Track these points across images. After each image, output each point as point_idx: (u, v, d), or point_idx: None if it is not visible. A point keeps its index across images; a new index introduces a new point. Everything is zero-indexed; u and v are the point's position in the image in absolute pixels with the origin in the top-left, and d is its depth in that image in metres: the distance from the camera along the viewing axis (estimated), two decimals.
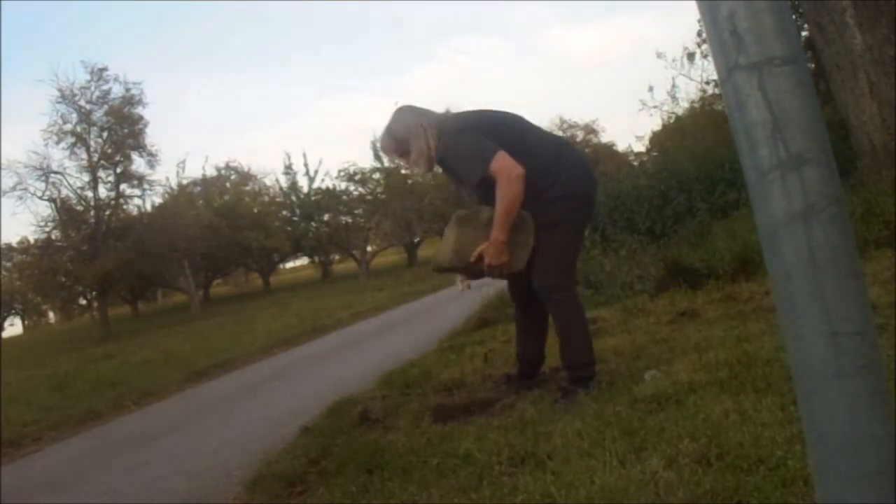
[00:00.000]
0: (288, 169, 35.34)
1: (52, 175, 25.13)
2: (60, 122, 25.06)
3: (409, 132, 3.18)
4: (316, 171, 35.29)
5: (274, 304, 23.04)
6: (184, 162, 40.96)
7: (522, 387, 3.30)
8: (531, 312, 3.36)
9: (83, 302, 29.73)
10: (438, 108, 3.33)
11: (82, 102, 25.28)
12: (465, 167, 3.05)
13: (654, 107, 23.62)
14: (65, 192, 25.66)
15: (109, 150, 25.85)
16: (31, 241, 26.60)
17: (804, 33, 8.18)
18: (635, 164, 22.24)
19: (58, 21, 60.39)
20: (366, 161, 40.15)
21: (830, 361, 0.76)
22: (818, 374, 0.77)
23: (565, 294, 3.08)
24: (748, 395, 2.30)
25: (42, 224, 25.68)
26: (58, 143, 25.12)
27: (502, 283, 4.00)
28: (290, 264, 45.44)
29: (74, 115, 25.22)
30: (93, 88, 25.32)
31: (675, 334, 3.83)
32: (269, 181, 37.98)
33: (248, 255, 33.05)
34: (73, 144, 25.25)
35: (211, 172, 35.03)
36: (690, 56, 18.55)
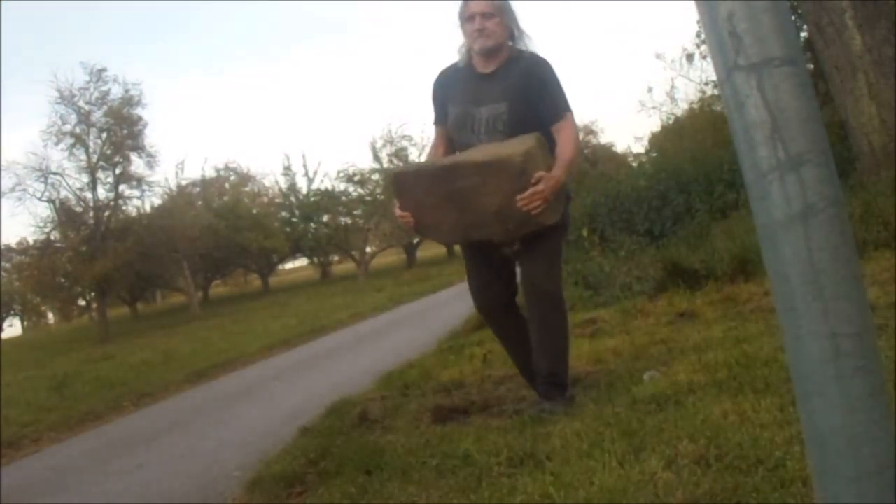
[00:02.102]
0: (287, 170, 35.39)
1: (51, 176, 25.19)
2: (59, 122, 25.10)
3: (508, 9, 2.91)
4: (315, 172, 35.33)
5: (273, 305, 23.05)
6: (183, 163, 40.96)
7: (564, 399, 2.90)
8: (510, 322, 3.12)
9: (82, 303, 29.72)
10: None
11: (81, 103, 25.30)
12: (557, 92, 2.86)
13: (654, 108, 23.68)
14: (64, 192, 25.71)
15: (108, 151, 25.84)
16: (31, 241, 26.61)
17: (803, 34, 8.18)
18: (634, 164, 22.23)
19: (58, 21, 60.38)
20: (365, 162, 40.20)
21: (829, 362, 0.76)
22: (817, 375, 0.77)
23: (561, 302, 2.99)
24: (747, 396, 2.30)
25: (41, 225, 25.71)
26: (57, 143, 25.15)
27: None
28: (289, 265, 45.48)
29: (73, 116, 25.25)
30: (92, 89, 25.35)
31: (674, 335, 3.83)
32: (268, 182, 38.01)
33: (247, 255, 33.05)
34: (73, 145, 25.27)
35: (210, 173, 35.01)
36: (689, 57, 18.62)
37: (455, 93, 2.97)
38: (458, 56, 3.00)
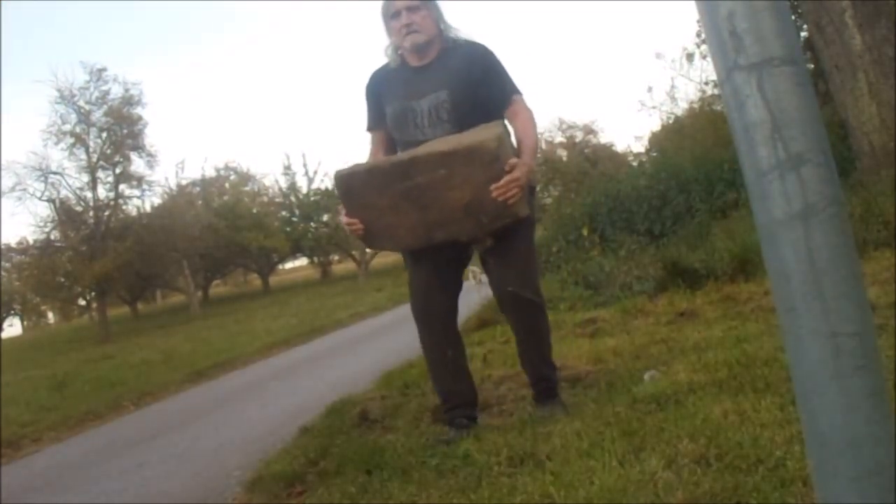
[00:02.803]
0: (287, 169, 35.38)
1: (51, 175, 25.22)
2: (59, 122, 25.16)
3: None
4: (315, 172, 35.30)
5: (273, 305, 23.06)
6: (183, 162, 41.10)
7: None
8: (449, 336, 2.83)
9: (82, 302, 29.71)
10: None
11: (81, 103, 25.34)
12: (503, 76, 2.71)
13: (654, 107, 23.64)
14: (64, 192, 25.77)
15: (108, 151, 25.88)
16: (31, 241, 26.62)
17: (803, 34, 8.19)
18: (634, 164, 22.23)
19: (58, 21, 60.37)
20: None
21: (829, 362, 0.76)
22: (817, 374, 0.77)
23: (543, 303, 2.82)
24: (747, 395, 2.30)
25: (41, 224, 25.73)
26: (57, 143, 25.21)
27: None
28: (289, 265, 45.46)
29: (73, 116, 25.31)
30: (92, 89, 25.40)
31: (674, 335, 3.83)
32: (268, 181, 38.08)
33: (247, 255, 33.06)
34: (73, 145, 25.31)
35: (210, 173, 35.06)
36: (689, 56, 18.59)
37: (391, 91, 2.77)
38: (387, 58, 2.83)
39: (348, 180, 2.69)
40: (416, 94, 2.69)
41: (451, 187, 2.52)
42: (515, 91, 2.72)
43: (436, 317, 2.79)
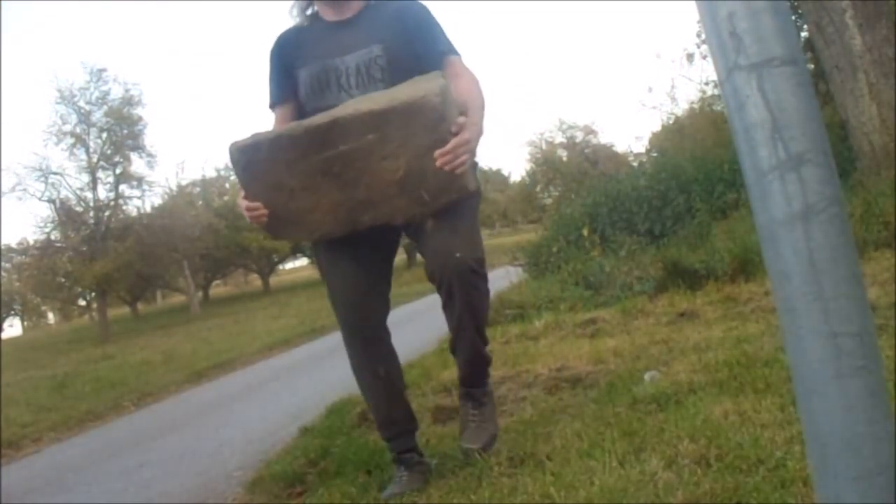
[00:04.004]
0: None
1: (52, 176, 25.22)
2: (60, 122, 25.19)
3: None
4: None
5: (273, 305, 23.06)
6: (183, 163, 41.13)
7: (421, 471, 2.34)
8: (383, 349, 2.34)
9: (82, 303, 29.75)
10: None
11: (81, 103, 25.37)
12: (439, 31, 2.28)
13: (654, 107, 23.66)
14: (64, 192, 25.78)
15: (109, 151, 25.90)
16: (31, 241, 26.66)
17: (804, 34, 8.19)
18: (634, 164, 22.25)
19: (58, 21, 60.39)
20: None
21: (829, 362, 0.76)
22: (817, 374, 0.77)
23: (486, 278, 2.25)
24: (748, 395, 2.30)
25: (41, 225, 25.76)
26: (57, 143, 25.24)
27: (501, 283, 3.90)
28: (289, 265, 45.49)
29: (74, 116, 25.33)
30: (92, 89, 25.43)
31: (674, 335, 3.83)
32: None
33: (247, 255, 33.02)
34: (73, 145, 25.33)
35: (210, 173, 35.00)
36: (689, 57, 18.60)
37: (306, 52, 2.28)
38: (294, 20, 2.40)
39: (248, 154, 2.09)
40: (340, 49, 2.22)
41: (384, 156, 2.02)
42: (454, 51, 2.27)
43: (362, 326, 2.27)
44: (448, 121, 1.98)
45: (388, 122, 1.98)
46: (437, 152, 1.97)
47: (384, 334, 2.33)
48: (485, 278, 2.22)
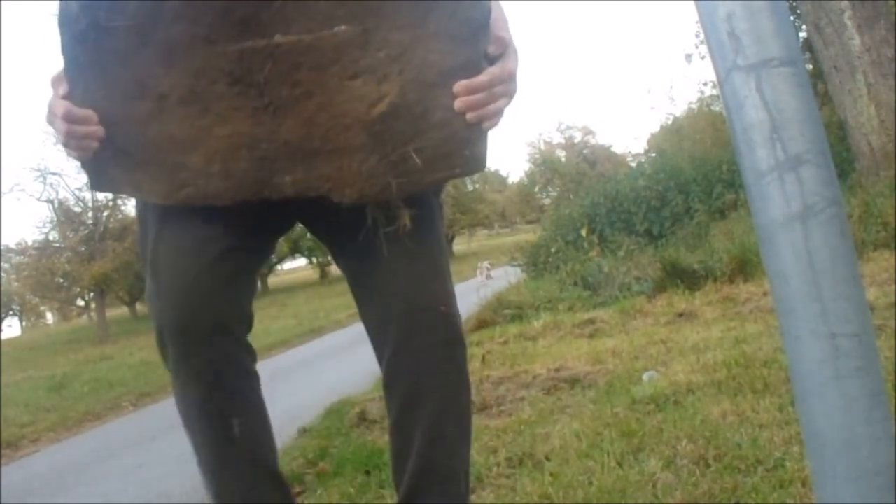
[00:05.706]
0: None
1: (50, 176, 25.19)
2: None
3: None
4: None
5: (272, 306, 23.02)
6: None
7: None
8: (224, 362, 1.31)
9: (81, 303, 29.72)
10: None
11: None
12: None
13: (652, 108, 23.66)
14: (63, 193, 25.72)
15: None
16: (29, 242, 26.64)
17: (802, 34, 8.20)
18: (633, 165, 22.26)
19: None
20: None
21: (828, 363, 0.76)
22: (816, 375, 0.77)
23: (463, 340, 1.43)
24: (746, 396, 2.30)
25: (40, 225, 25.76)
26: (56, 143, 25.13)
27: (500, 283, 3.88)
28: (287, 265, 45.47)
29: None
30: None
31: (672, 335, 3.83)
32: None
33: None
34: None
35: None
36: (688, 57, 18.61)
37: None
38: None
39: (92, 14, 1.05)
40: None
41: (359, 70, 1.08)
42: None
43: (203, 329, 1.27)
44: (491, 33, 1.14)
45: (383, 7, 1.06)
46: (461, 84, 1.10)
47: (223, 340, 1.30)
48: (460, 347, 1.37)
